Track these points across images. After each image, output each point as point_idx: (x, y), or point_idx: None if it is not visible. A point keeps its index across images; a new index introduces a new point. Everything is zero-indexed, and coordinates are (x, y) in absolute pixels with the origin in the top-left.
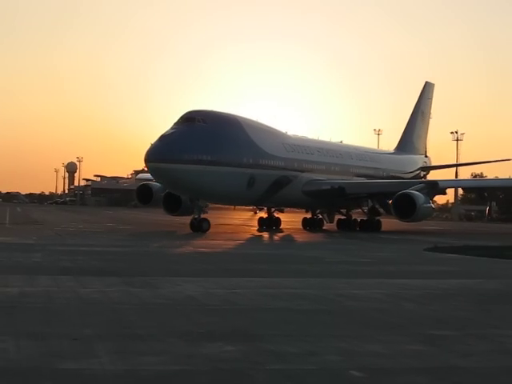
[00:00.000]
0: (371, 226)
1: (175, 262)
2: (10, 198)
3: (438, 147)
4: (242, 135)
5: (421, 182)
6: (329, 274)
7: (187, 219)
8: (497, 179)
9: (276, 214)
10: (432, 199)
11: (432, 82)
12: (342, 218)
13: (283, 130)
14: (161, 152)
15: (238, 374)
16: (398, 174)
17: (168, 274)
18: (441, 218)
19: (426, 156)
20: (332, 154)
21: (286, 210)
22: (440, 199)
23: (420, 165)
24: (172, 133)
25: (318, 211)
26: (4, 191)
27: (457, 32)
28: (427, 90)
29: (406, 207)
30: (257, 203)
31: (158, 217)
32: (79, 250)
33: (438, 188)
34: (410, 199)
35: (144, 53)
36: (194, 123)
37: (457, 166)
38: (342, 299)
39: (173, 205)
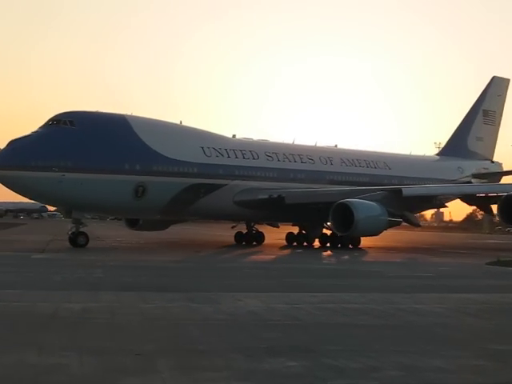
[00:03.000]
0: (340, 241)
1: (235, 276)
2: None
3: None
4: (129, 138)
5: (382, 190)
6: (389, 288)
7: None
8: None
9: (259, 229)
10: (418, 211)
11: (506, 77)
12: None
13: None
14: (5, 158)
15: None
16: (424, 182)
17: (229, 290)
18: (503, 232)
19: (493, 162)
20: (296, 160)
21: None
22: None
23: (472, 171)
24: (26, 137)
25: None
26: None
27: None
28: (495, 85)
29: (348, 218)
30: (165, 214)
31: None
32: (140, 266)
33: (402, 196)
34: (350, 210)
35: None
36: (59, 126)
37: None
38: (403, 314)
39: (132, 219)
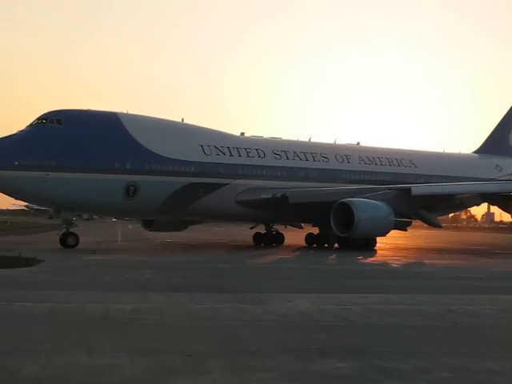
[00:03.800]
0: (352, 242)
1: (284, 277)
2: None
3: None
4: (120, 136)
5: (389, 189)
6: (440, 289)
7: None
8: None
9: (279, 230)
10: (441, 212)
11: None
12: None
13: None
14: None
15: None
16: (455, 181)
17: (278, 290)
18: None
19: None
20: (308, 158)
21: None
22: None
23: None
24: (11, 136)
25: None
26: None
27: None
28: None
29: (350, 219)
30: (162, 214)
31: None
32: (188, 267)
33: (411, 195)
34: (351, 210)
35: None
36: (45, 125)
37: None
38: (453, 315)
39: (147, 220)
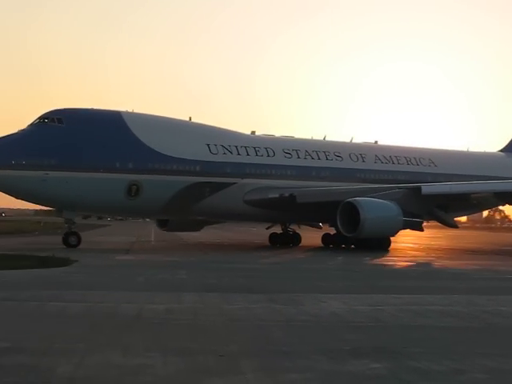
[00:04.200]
0: (365, 243)
1: (316, 278)
2: None
3: None
4: (122, 135)
5: (399, 188)
6: (474, 290)
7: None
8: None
9: (295, 229)
10: (459, 212)
11: None
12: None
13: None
14: None
15: None
16: (478, 180)
17: (311, 291)
18: None
19: None
20: (320, 157)
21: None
22: None
23: None
24: (11, 135)
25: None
26: None
27: None
28: None
29: (356, 218)
30: (167, 214)
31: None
32: (221, 267)
33: (421, 194)
34: (357, 209)
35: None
36: (46, 124)
37: None
38: (487, 316)
39: (161, 219)
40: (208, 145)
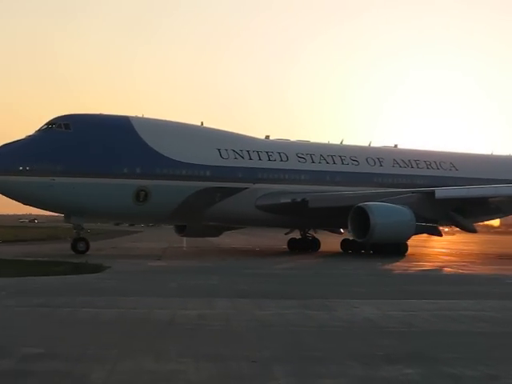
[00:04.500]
0: (381, 248)
1: (348, 283)
2: None
3: None
4: (130, 140)
5: (413, 192)
6: (507, 295)
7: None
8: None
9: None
10: (479, 218)
11: None
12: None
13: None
14: None
15: None
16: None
17: (343, 296)
18: None
19: None
20: (335, 161)
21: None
22: None
23: None
24: (18, 141)
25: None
26: None
27: None
28: None
29: (367, 223)
30: (177, 219)
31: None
32: (253, 272)
33: (434, 198)
34: (367, 214)
35: None
36: (53, 130)
37: None
38: None
39: (179, 225)
40: (219, 149)
